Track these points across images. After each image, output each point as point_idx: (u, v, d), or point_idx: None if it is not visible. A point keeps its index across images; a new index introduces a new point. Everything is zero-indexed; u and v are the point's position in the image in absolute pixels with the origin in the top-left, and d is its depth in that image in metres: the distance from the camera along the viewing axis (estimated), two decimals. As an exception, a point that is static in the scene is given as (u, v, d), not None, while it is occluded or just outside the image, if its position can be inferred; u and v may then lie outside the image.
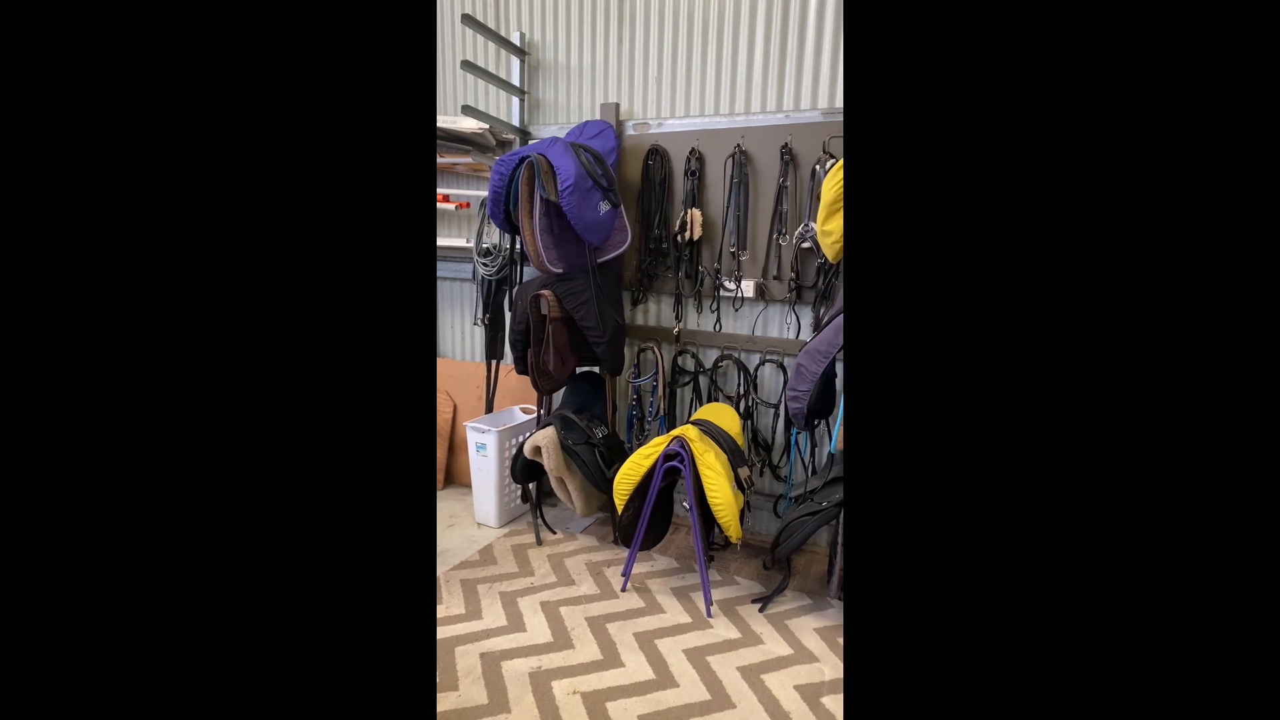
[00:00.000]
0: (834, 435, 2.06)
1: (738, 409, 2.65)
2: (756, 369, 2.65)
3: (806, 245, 2.41)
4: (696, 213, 2.58)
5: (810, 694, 1.85)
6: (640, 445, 2.40)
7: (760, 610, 2.24)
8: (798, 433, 2.54)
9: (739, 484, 2.33)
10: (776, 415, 2.64)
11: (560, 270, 2.47)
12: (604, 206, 2.40)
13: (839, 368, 1.99)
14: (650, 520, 2.30)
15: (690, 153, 2.58)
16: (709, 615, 2.20)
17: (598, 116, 2.77)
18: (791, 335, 2.57)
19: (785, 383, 2.54)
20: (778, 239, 2.49)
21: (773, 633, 2.12)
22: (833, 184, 1.92)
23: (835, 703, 1.82)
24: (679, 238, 2.62)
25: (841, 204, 1.95)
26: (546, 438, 2.46)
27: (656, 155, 2.65)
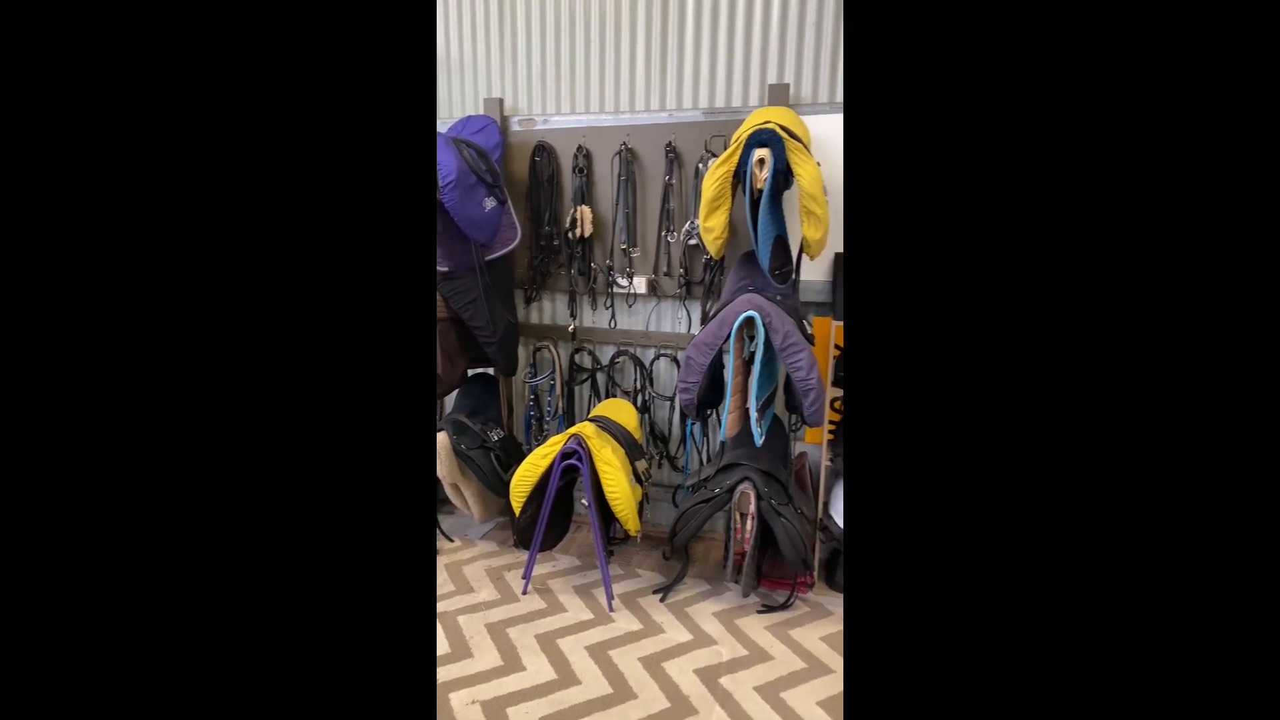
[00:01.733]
0: (723, 423, 2.14)
1: (635, 404, 2.68)
2: (652, 363, 2.69)
3: (693, 242, 2.47)
4: (586, 210, 2.58)
5: (709, 676, 1.91)
6: (539, 446, 2.37)
7: (661, 600, 2.28)
8: (692, 423, 2.61)
9: (637, 477, 2.36)
10: (672, 408, 2.69)
11: (446, 269, 2.39)
12: (489, 203, 2.34)
13: (727, 359, 2.06)
14: (550, 520, 2.28)
15: (578, 150, 2.58)
16: (610, 610, 2.22)
17: (480, 112, 2.70)
18: (683, 329, 2.63)
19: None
20: (666, 236, 2.54)
21: (673, 621, 2.17)
22: (712, 181, 1.98)
23: (732, 682, 1.89)
24: (570, 235, 2.61)
25: (721, 201, 2.02)
26: (438, 444, 2.38)
27: (543, 152, 2.62)
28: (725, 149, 2.01)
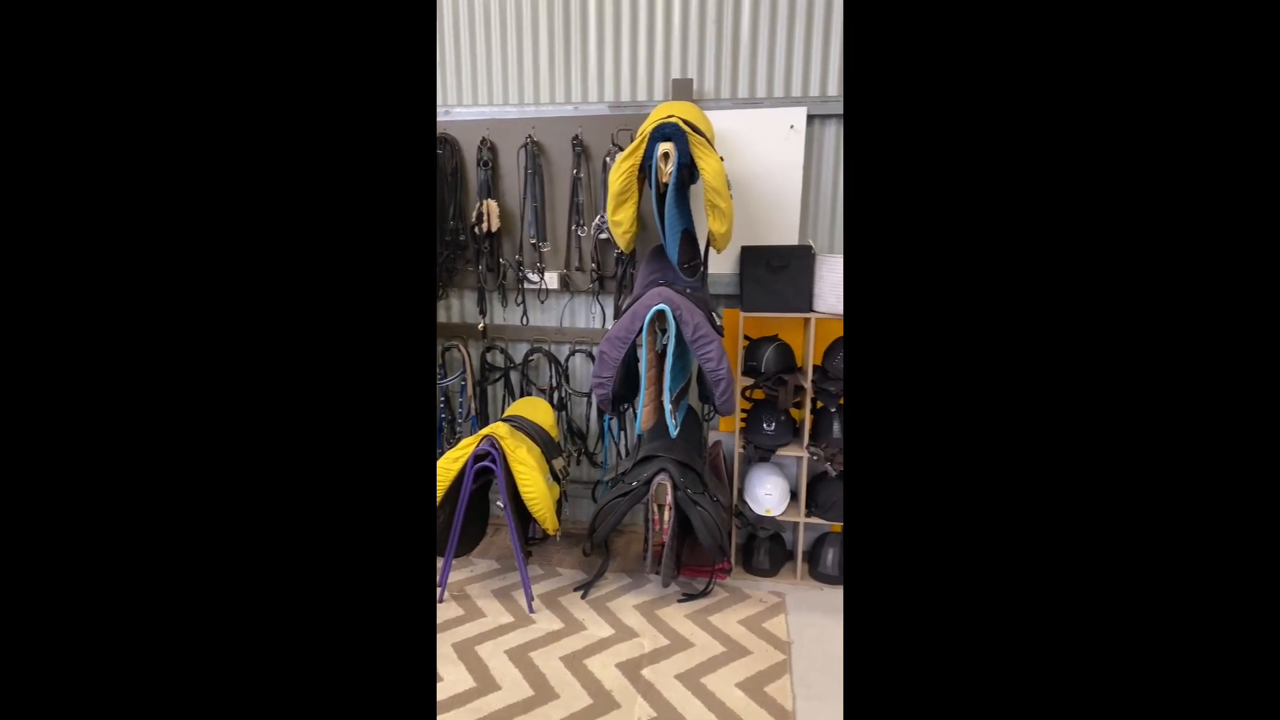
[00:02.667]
0: (639, 416, 2.15)
1: (551, 401, 2.64)
2: (567, 360, 2.66)
3: (604, 236, 2.46)
4: (492, 204, 2.51)
5: (631, 669, 1.92)
6: (450, 449, 2.29)
7: (583, 597, 2.27)
8: (609, 418, 2.60)
9: (554, 476, 2.33)
10: (589, 404, 2.68)
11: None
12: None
13: (640, 353, 2.07)
14: (465, 525, 2.21)
15: (482, 142, 2.50)
16: (531, 611, 2.18)
17: (377, 101, 2.57)
18: (597, 324, 2.62)
19: (594, 371, 2.58)
20: (576, 230, 2.52)
21: (595, 617, 2.16)
22: (618, 175, 1.98)
23: (654, 673, 1.90)
24: (476, 230, 2.54)
25: (628, 195, 2.02)
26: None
27: (446, 144, 2.53)
28: (631, 142, 2.01)
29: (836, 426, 2.33)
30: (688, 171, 2.00)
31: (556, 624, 2.12)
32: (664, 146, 1.92)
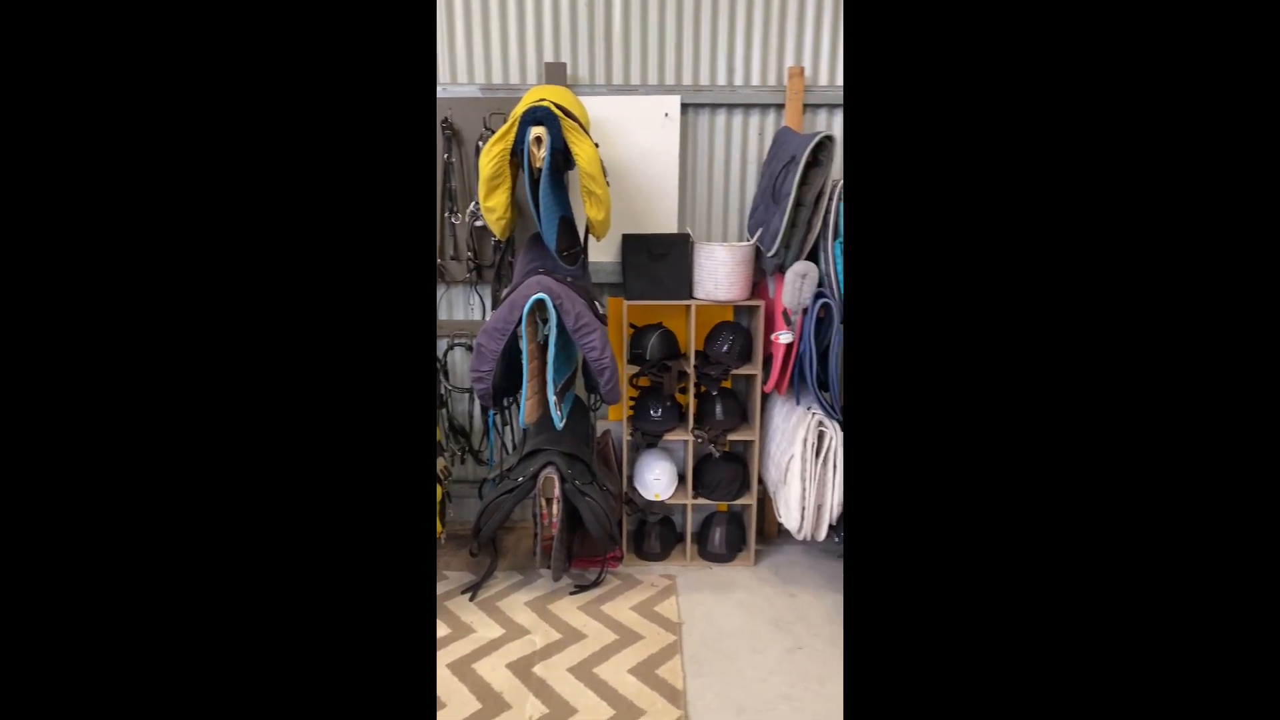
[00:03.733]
0: (522, 409, 2.09)
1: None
2: (445, 354, 2.54)
3: (480, 224, 2.37)
4: (356, 190, 2.33)
5: (522, 668, 1.87)
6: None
7: (471, 599, 2.19)
8: (493, 414, 2.52)
9: (435, 477, 2.22)
10: (471, 400, 2.58)
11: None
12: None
13: (521, 344, 2.01)
14: (336, 535, 2.05)
15: (341, 122, 2.31)
16: (415, 620, 2.07)
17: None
18: (476, 316, 2.52)
19: (476, 365, 2.48)
20: (450, 217, 2.40)
21: (484, 618, 2.09)
22: (489, 159, 1.90)
23: (545, 669, 1.87)
24: (339, 218, 2.35)
25: (500, 180, 1.94)
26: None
27: (299, 123, 2.31)
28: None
29: (719, 409, 2.40)
30: (562, 157, 1.95)
31: (443, 630, 2.02)
32: (536, 131, 1.86)
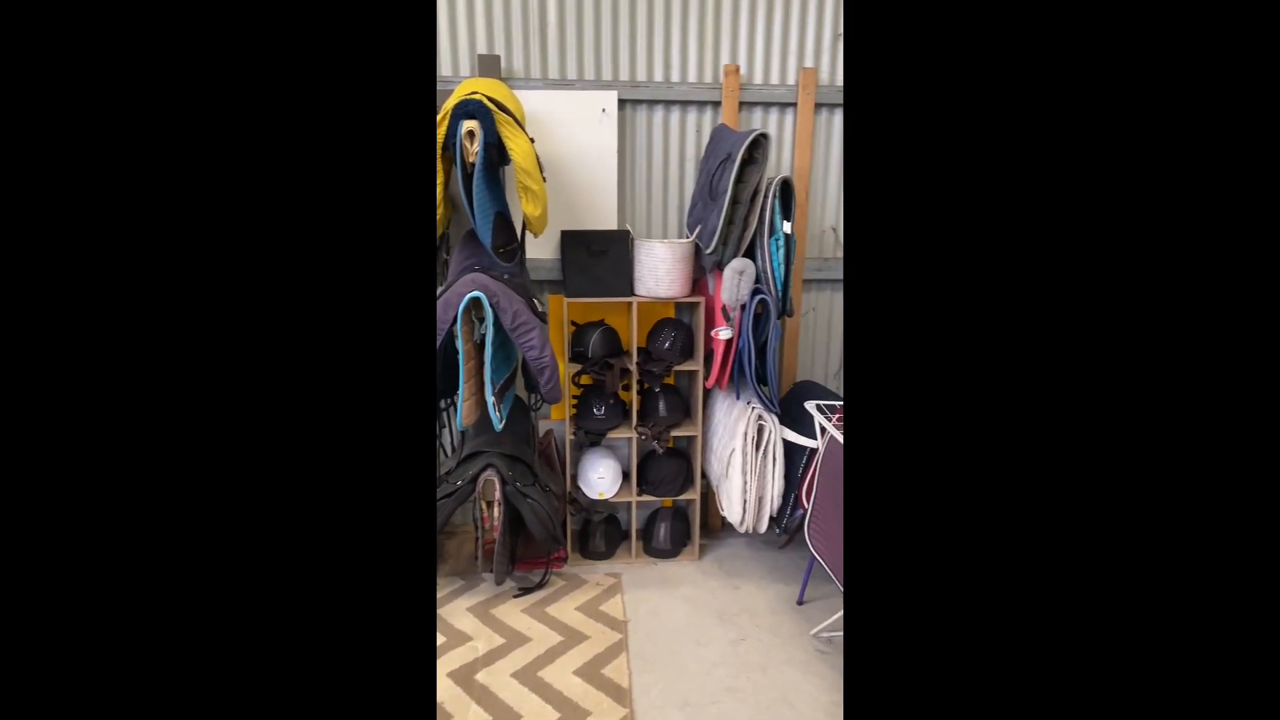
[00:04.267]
0: (459, 411, 2.04)
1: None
2: (379, 356, 2.45)
3: (413, 220, 2.29)
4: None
5: (464, 676, 1.83)
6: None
7: (410, 608, 2.12)
8: (432, 416, 2.45)
9: (369, 482, 2.14)
10: (408, 401, 2.49)
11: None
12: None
13: (458, 343, 1.95)
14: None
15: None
16: (350, 632, 1.99)
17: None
18: (412, 316, 2.44)
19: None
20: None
21: (424, 627, 2.03)
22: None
23: (488, 675, 1.83)
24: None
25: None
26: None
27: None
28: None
29: (663, 405, 2.40)
30: (496, 152, 1.91)
31: (380, 642, 1.95)
32: (468, 125, 1.81)
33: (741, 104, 2.39)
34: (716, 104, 2.39)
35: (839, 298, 2.64)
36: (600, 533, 2.44)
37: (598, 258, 2.28)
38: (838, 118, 2.47)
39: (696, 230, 2.22)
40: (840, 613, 1.89)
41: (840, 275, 2.57)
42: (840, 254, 2.59)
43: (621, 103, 2.34)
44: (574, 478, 2.41)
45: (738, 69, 2.33)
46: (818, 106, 2.43)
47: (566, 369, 2.34)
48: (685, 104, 2.39)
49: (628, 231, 2.32)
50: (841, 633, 2.02)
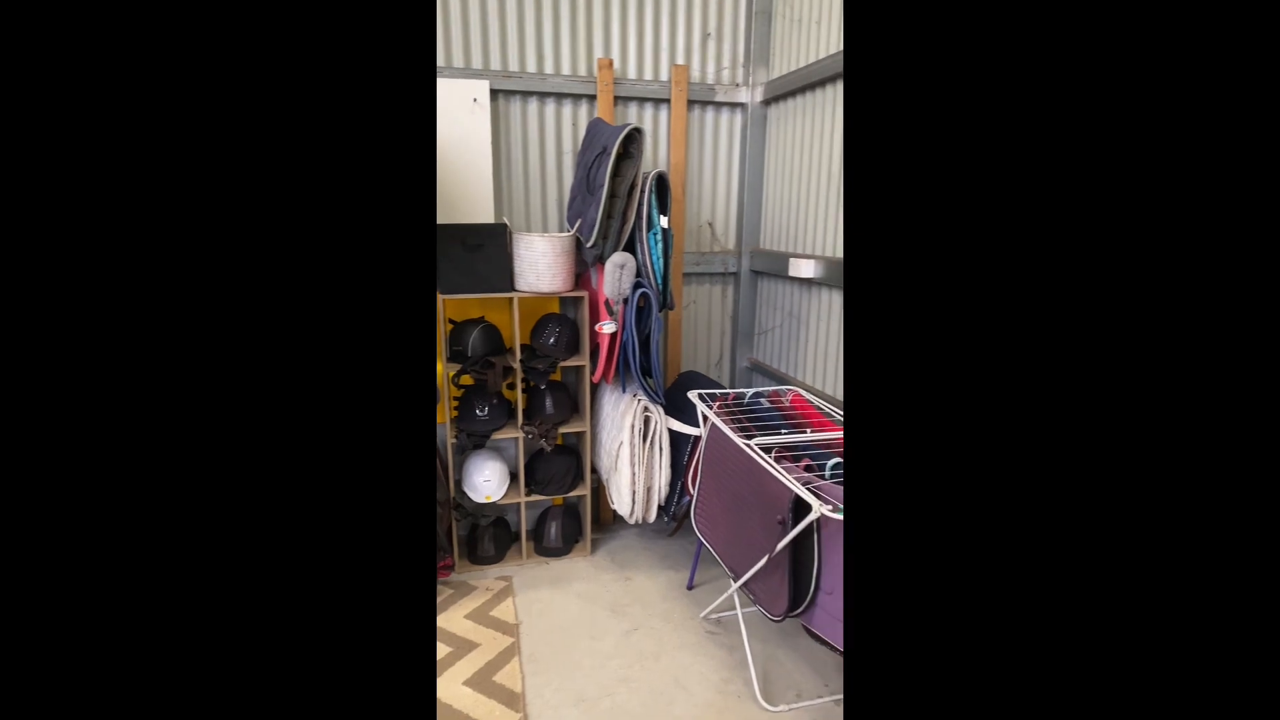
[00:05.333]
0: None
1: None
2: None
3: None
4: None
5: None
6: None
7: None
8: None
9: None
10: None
11: None
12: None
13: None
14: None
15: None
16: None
17: None
18: (268, 318, 2.23)
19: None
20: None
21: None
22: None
23: (369, 697, 1.72)
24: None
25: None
26: None
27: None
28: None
29: (549, 402, 2.37)
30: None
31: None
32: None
33: (616, 98, 2.40)
34: (592, 97, 2.38)
35: (717, 291, 2.74)
36: (489, 536, 2.36)
37: (474, 252, 2.20)
38: (710, 115, 2.55)
39: (577, 224, 2.21)
40: (729, 592, 1.96)
41: (719, 269, 2.66)
42: (717, 248, 2.68)
43: (494, 93, 2.27)
44: (458, 482, 2.32)
45: (611, 63, 2.34)
46: (690, 103, 2.50)
47: (444, 369, 2.24)
48: (560, 96, 2.37)
49: (505, 225, 2.26)
50: (730, 612, 2.09)
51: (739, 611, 1.94)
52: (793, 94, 2.34)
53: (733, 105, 2.56)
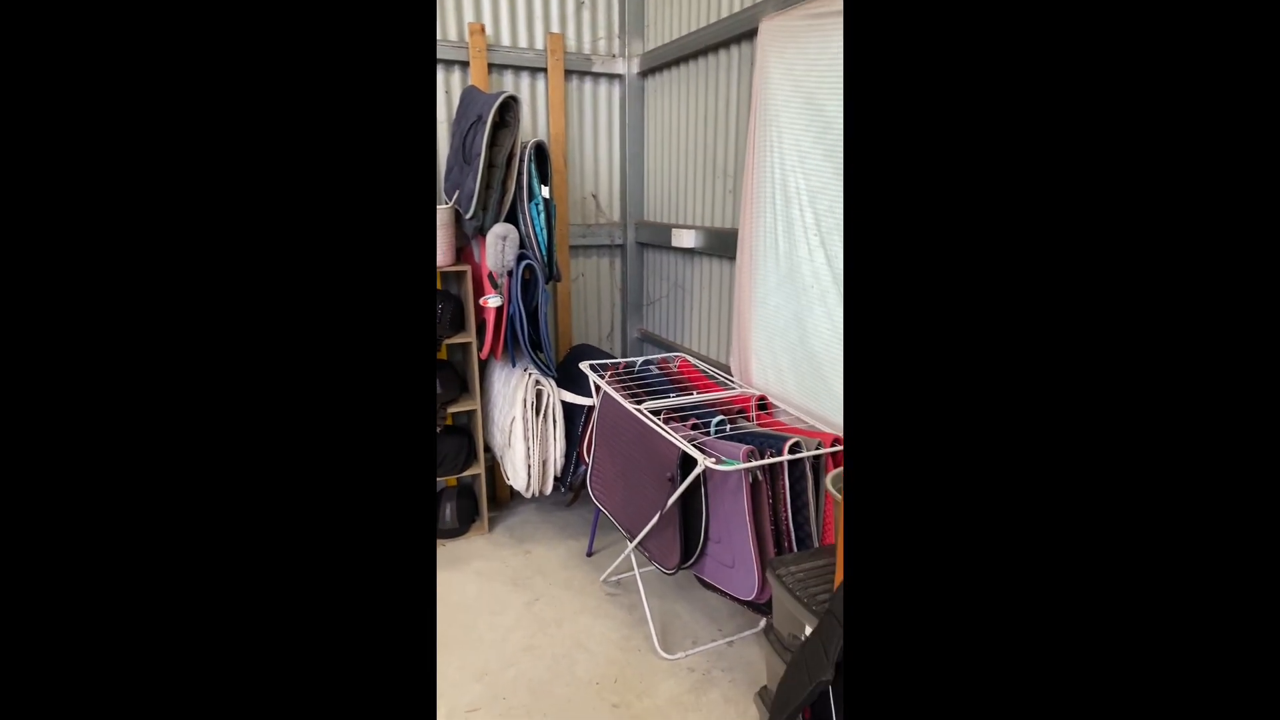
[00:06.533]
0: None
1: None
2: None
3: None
4: None
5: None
6: None
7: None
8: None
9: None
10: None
11: None
12: None
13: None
14: None
15: None
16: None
17: None
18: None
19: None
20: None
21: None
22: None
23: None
24: None
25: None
26: None
27: None
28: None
29: (437, 382, 2.30)
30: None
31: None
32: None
33: (491, 65, 2.33)
34: (465, 64, 2.30)
35: (605, 263, 2.76)
36: (379, 524, 2.28)
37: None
38: (589, 85, 2.54)
39: (455, 195, 2.14)
40: (625, 552, 2.02)
41: (606, 241, 2.68)
42: (602, 220, 2.69)
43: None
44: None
45: (483, 28, 2.26)
46: (568, 73, 2.47)
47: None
48: (431, 61, 2.26)
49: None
50: (629, 573, 2.16)
51: (637, 572, 2.01)
52: (669, 66, 2.38)
53: (610, 76, 2.56)
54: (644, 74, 2.55)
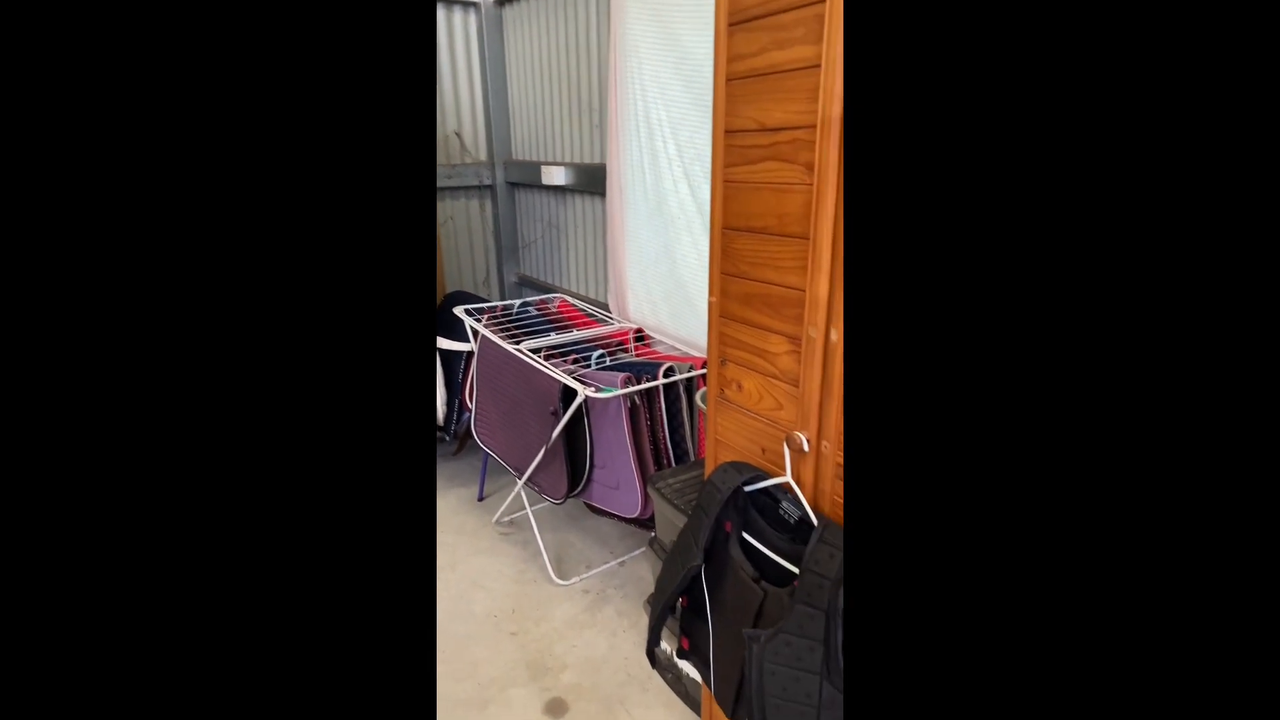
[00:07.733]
0: None
1: None
2: None
3: None
4: None
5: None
6: None
7: None
8: None
9: None
10: None
11: None
12: None
13: None
14: None
15: None
16: None
17: None
18: None
19: None
20: None
21: None
22: None
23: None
24: None
25: None
26: None
27: None
28: None
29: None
30: None
31: None
32: None
33: None
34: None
35: (475, 205, 2.67)
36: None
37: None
38: (442, 13, 2.38)
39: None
40: (515, 490, 2.05)
41: (474, 182, 2.58)
42: (469, 160, 2.58)
43: None
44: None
45: None
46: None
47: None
48: None
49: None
50: (521, 512, 2.20)
51: (529, 509, 2.05)
52: (526, -7, 2.28)
53: (465, 4, 2.42)
54: (500, 2, 2.43)
